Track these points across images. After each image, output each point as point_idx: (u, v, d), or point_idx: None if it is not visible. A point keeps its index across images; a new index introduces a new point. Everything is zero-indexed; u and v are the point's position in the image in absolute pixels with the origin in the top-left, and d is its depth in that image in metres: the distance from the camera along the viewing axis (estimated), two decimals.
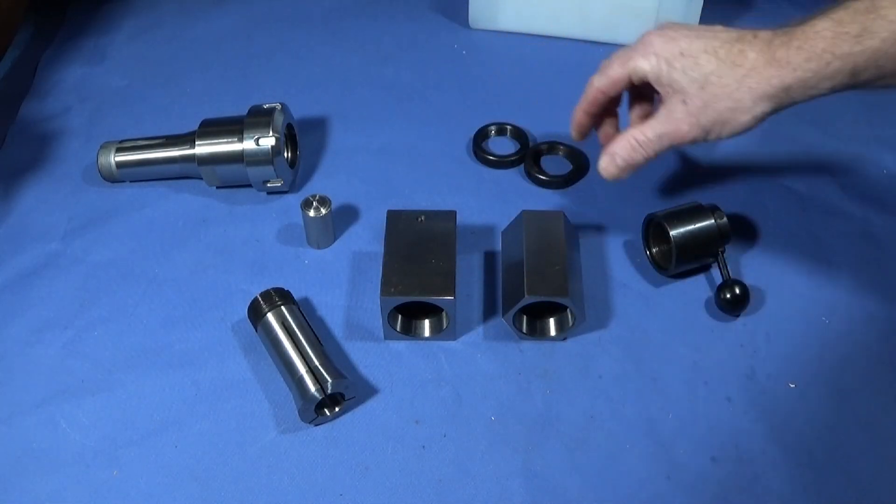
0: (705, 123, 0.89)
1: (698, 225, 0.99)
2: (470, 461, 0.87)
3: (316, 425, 0.90)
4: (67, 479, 0.86)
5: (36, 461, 0.87)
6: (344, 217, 1.09)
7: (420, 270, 0.94)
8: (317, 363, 0.89)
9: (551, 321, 0.97)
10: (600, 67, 0.97)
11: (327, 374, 0.88)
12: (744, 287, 0.98)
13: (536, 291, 0.91)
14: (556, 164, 1.17)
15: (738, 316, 0.99)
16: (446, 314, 0.95)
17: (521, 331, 0.96)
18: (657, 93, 0.93)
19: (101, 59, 1.36)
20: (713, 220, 0.99)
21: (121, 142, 1.13)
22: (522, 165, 1.16)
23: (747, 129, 0.89)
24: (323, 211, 1.01)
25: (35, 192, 1.14)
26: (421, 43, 1.38)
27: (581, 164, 1.15)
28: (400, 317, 0.96)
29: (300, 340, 0.91)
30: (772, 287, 1.01)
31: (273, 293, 0.94)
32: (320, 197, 1.02)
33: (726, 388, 0.92)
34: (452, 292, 0.91)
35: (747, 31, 0.89)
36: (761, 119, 0.88)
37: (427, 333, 0.97)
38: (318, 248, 1.06)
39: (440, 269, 0.94)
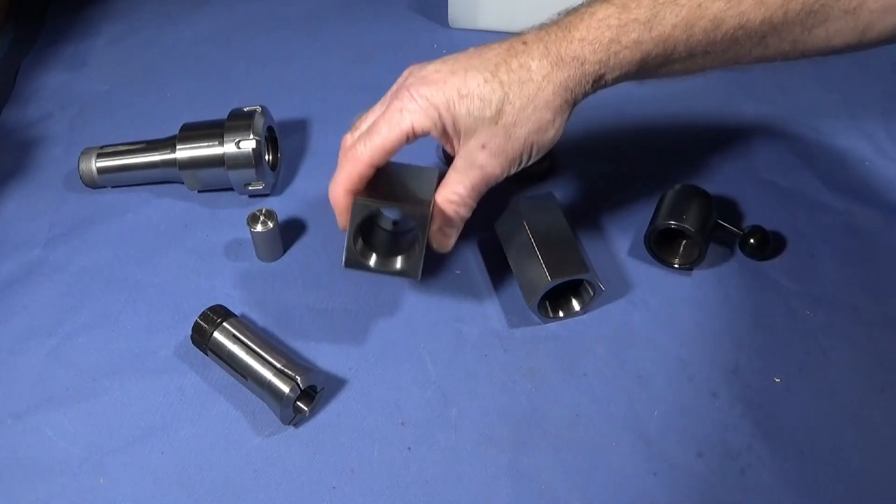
0: (514, 156, 0.83)
1: (694, 206, 1.00)
2: (456, 461, 0.87)
3: (296, 425, 0.90)
4: (53, 488, 0.86)
5: (21, 470, 0.87)
6: (327, 218, 1.09)
7: (398, 188, 0.89)
8: (280, 365, 0.88)
9: (572, 298, 0.99)
10: (358, 133, 0.87)
11: (294, 371, 0.88)
12: (761, 230, 1.01)
13: (559, 274, 0.93)
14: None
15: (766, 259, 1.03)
16: (414, 250, 0.87)
17: (546, 315, 0.97)
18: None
19: (81, 65, 1.35)
20: (699, 195, 1.02)
21: (102, 147, 1.13)
22: None
23: (556, 141, 0.85)
24: (270, 225, 1.01)
25: (16, 199, 1.14)
26: (401, 44, 1.38)
27: (557, 159, 1.15)
28: (361, 241, 0.89)
29: (255, 349, 0.90)
30: (755, 282, 1.02)
31: (210, 313, 0.94)
32: (266, 211, 1.02)
33: (711, 384, 0.92)
34: (428, 207, 0.85)
35: (513, 39, 0.84)
36: (564, 124, 0.84)
37: (388, 266, 0.89)
38: (268, 261, 1.05)
39: (420, 190, 0.88)
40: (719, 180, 1.12)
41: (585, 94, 0.83)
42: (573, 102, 0.83)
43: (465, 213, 0.87)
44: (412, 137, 0.83)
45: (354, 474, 0.86)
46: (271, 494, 0.85)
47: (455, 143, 0.84)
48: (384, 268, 0.89)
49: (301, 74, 1.32)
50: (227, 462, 0.87)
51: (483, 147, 0.82)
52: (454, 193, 0.85)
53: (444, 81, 0.81)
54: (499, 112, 0.80)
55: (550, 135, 0.83)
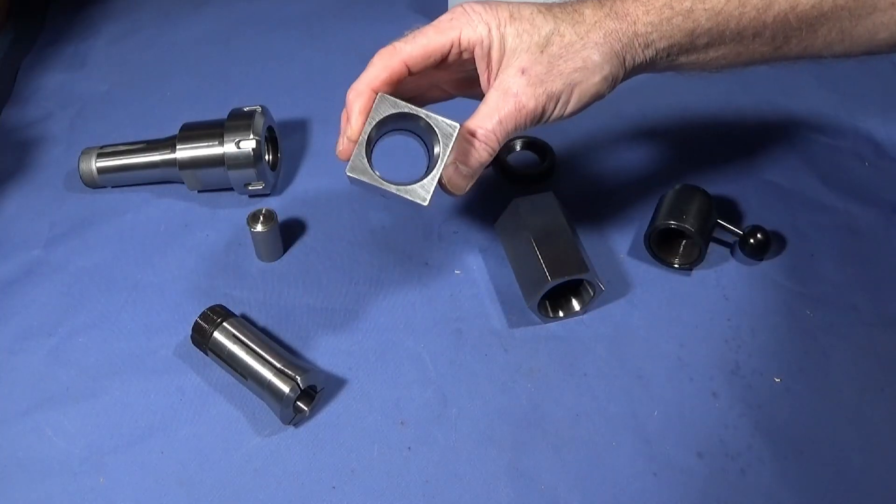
0: (553, 91, 0.78)
1: (694, 206, 1.00)
2: (456, 462, 0.87)
3: (296, 425, 0.90)
4: (54, 487, 0.86)
5: (22, 470, 0.87)
6: (327, 218, 1.09)
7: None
8: (280, 365, 0.88)
9: (572, 298, 0.99)
10: (404, 38, 0.82)
11: (294, 371, 0.88)
12: (761, 229, 1.00)
13: (559, 274, 0.93)
14: (528, 160, 1.17)
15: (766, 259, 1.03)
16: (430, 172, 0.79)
17: (546, 315, 0.97)
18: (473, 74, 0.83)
19: (81, 65, 1.35)
20: (699, 195, 1.02)
21: (102, 147, 1.13)
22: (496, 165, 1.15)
23: (599, 95, 0.81)
24: (270, 225, 1.00)
25: (17, 199, 1.14)
26: None
27: (554, 160, 1.15)
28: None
29: (255, 349, 0.90)
30: (755, 281, 1.02)
31: (210, 313, 0.94)
32: (266, 211, 1.01)
33: (711, 384, 0.92)
34: (457, 129, 0.78)
35: None
36: (612, 84, 0.81)
37: (397, 183, 0.78)
38: (268, 261, 1.05)
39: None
40: (719, 180, 1.12)
41: (635, 61, 0.81)
42: (623, 60, 0.81)
43: (485, 152, 0.80)
44: (458, 50, 0.80)
45: (354, 474, 0.86)
46: (271, 494, 0.85)
47: (494, 70, 0.81)
48: (392, 184, 0.78)
49: (301, 75, 1.32)
50: (227, 462, 0.87)
51: (522, 72, 0.78)
52: (479, 126, 0.80)
53: (498, 5, 0.80)
54: (547, 41, 0.78)
55: (596, 80, 0.79)
